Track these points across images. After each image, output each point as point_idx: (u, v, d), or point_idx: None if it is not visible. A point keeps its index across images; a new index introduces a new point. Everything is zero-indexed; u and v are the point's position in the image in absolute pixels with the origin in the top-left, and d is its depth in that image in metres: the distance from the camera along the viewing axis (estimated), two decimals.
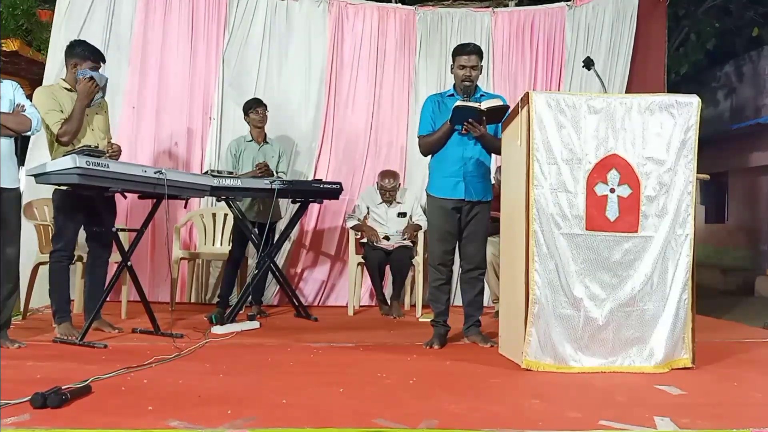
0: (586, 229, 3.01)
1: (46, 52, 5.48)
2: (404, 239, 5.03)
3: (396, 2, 6.00)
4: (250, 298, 4.99)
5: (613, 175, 3.03)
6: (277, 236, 4.86)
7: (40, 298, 4.21)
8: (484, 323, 3.89)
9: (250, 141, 4.83)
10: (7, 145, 3.28)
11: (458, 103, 3.55)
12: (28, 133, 3.39)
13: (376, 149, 5.71)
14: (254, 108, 4.81)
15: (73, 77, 3.79)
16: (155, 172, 3.59)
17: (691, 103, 3.07)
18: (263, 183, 4.39)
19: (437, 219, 3.74)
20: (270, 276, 5.04)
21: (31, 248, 4.20)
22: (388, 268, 5.10)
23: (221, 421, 2.15)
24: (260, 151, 4.82)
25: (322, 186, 4.62)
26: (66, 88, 3.79)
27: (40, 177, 3.33)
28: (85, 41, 4.03)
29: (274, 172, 4.76)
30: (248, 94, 5.29)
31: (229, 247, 4.88)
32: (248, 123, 4.88)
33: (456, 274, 3.86)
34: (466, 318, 3.79)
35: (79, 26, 5.14)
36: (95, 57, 3.83)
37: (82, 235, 3.94)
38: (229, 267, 4.76)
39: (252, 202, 4.70)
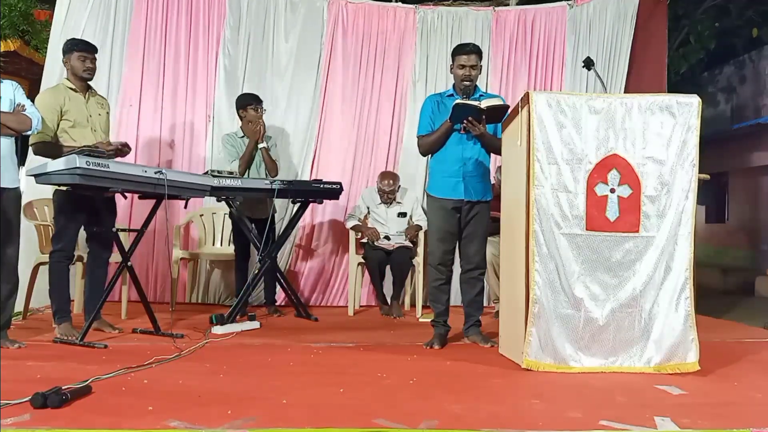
0: (587, 230, 3.01)
1: (44, 51, 5.48)
2: (405, 239, 5.03)
3: (396, 1, 5.99)
4: (262, 298, 5.01)
5: (613, 175, 3.03)
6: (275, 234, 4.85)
7: (40, 298, 4.21)
8: (484, 323, 3.89)
9: (242, 137, 4.76)
10: (7, 145, 3.28)
11: (458, 101, 3.56)
12: (29, 133, 3.39)
13: (375, 148, 5.70)
14: (254, 105, 4.73)
15: (71, 74, 3.81)
16: (155, 172, 3.58)
17: (692, 103, 3.07)
18: (263, 183, 4.39)
19: (437, 219, 3.73)
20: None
21: (31, 248, 4.20)
22: (388, 268, 5.10)
23: (221, 421, 2.15)
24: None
25: (322, 186, 4.61)
26: (70, 88, 3.80)
27: (40, 177, 3.33)
28: (74, 37, 4.03)
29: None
30: (247, 91, 5.27)
31: (231, 248, 4.88)
32: (242, 118, 4.79)
33: (456, 274, 3.86)
34: (467, 318, 3.79)
35: (77, 26, 5.14)
36: (80, 47, 3.81)
37: (82, 235, 3.94)
38: (237, 266, 4.79)
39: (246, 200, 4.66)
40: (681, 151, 3.05)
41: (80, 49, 3.80)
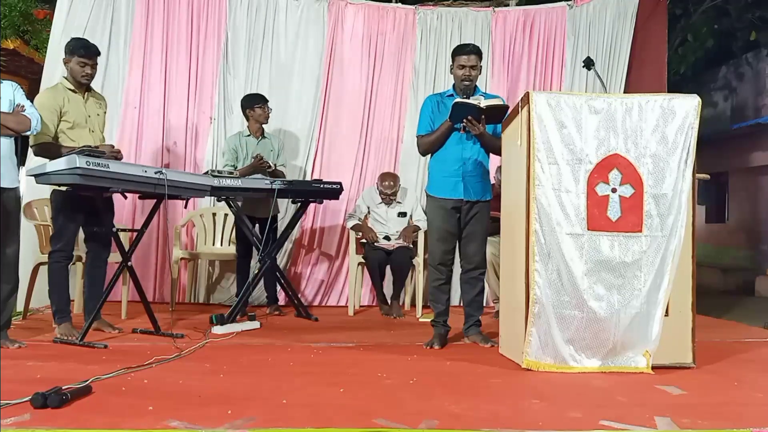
0: (588, 229, 3.01)
1: (44, 51, 5.48)
2: (402, 242, 5.02)
3: (396, 2, 5.99)
4: (265, 297, 5.03)
5: (614, 175, 3.03)
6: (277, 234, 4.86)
7: (40, 298, 4.21)
8: (485, 323, 3.89)
9: (248, 136, 4.85)
10: (7, 145, 3.28)
11: (457, 100, 3.56)
12: (28, 133, 3.39)
13: (374, 148, 5.71)
14: (261, 105, 4.82)
15: (69, 75, 3.80)
16: (155, 173, 3.58)
17: (691, 102, 3.07)
18: (264, 183, 4.39)
19: (437, 219, 3.73)
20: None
21: (31, 248, 4.20)
22: (388, 268, 5.10)
23: (221, 421, 2.15)
24: (259, 146, 4.83)
25: (322, 186, 4.61)
26: (69, 89, 3.79)
27: (40, 177, 3.33)
28: (79, 38, 4.01)
29: (273, 166, 4.79)
30: (247, 92, 5.28)
31: (231, 248, 4.89)
32: (248, 118, 4.88)
33: (456, 274, 3.86)
34: (467, 318, 3.79)
35: (78, 25, 5.14)
36: (81, 53, 3.75)
37: (81, 235, 3.94)
38: (238, 266, 4.81)
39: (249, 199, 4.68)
40: (681, 150, 3.04)
41: (81, 55, 3.74)
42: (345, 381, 2.76)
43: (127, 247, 3.89)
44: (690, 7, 9.26)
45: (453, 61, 3.73)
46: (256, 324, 4.21)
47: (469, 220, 3.70)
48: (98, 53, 3.88)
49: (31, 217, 4.33)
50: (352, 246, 5.11)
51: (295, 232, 5.37)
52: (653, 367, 3.01)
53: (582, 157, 3.03)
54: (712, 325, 4.71)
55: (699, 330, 3.19)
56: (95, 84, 4.03)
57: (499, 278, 4.14)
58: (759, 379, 3.04)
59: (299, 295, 5.07)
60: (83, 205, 3.67)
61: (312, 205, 4.90)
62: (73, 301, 4.17)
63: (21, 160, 3.78)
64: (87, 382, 2.50)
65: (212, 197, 4.76)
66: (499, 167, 3.98)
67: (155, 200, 3.84)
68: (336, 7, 5.71)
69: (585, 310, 2.99)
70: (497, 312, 4.36)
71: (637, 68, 5.82)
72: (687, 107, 3.06)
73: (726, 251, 10.45)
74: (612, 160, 3.03)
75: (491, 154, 3.79)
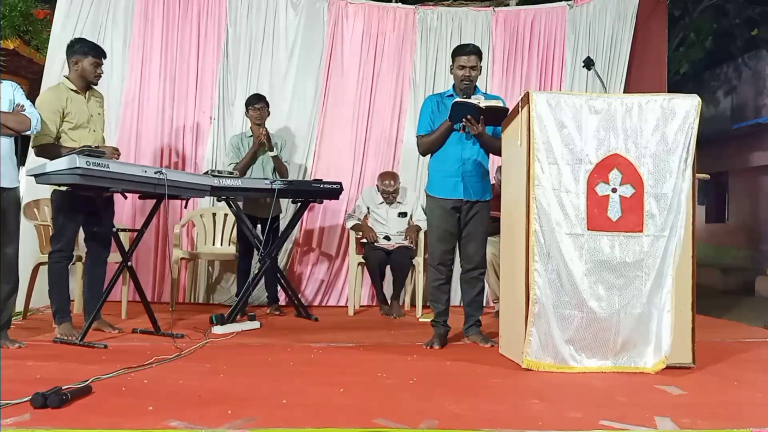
0: (588, 229, 3.01)
1: (45, 51, 5.48)
2: (405, 240, 5.03)
3: (396, 1, 5.99)
4: (265, 297, 5.03)
5: (614, 175, 3.03)
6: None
7: (40, 298, 4.20)
8: (485, 323, 3.89)
9: (251, 137, 4.85)
10: (7, 144, 3.28)
11: (457, 99, 3.56)
12: (28, 132, 3.39)
13: (374, 148, 5.71)
14: (253, 105, 4.85)
15: (76, 75, 3.79)
16: (155, 173, 3.58)
17: (691, 102, 3.07)
18: (264, 183, 4.40)
19: (437, 219, 3.74)
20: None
21: (31, 248, 4.20)
22: (388, 268, 5.10)
23: (221, 421, 2.15)
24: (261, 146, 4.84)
25: (322, 186, 4.62)
26: (71, 89, 3.78)
27: (40, 177, 3.33)
28: (84, 38, 4.03)
29: (274, 147, 4.83)
30: (247, 92, 5.29)
31: (231, 248, 4.89)
32: (249, 119, 4.92)
33: (456, 274, 3.86)
34: (467, 318, 3.79)
35: (78, 26, 5.14)
36: (95, 53, 3.80)
37: (81, 235, 3.94)
38: (239, 266, 4.81)
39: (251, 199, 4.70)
40: (681, 150, 3.04)
41: (95, 55, 3.78)
42: (345, 381, 2.76)
43: (127, 247, 3.90)
44: (689, 7, 9.27)
45: (453, 61, 3.73)
46: (256, 324, 4.21)
47: (469, 220, 3.70)
48: (107, 55, 3.97)
49: (31, 217, 4.33)
50: (352, 246, 5.11)
51: (295, 232, 5.37)
52: (653, 367, 3.00)
53: (582, 157, 3.03)
54: (712, 325, 4.71)
55: (699, 330, 3.18)
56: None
57: (499, 278, 4.14)
58: (759, 379, 3.04)
59: (299, 295, 5.07)
60: (83, 205, 3.67)
61: (312, 205, 4.90)
62: (73, 301, 4.17)
63: (21, 160, 3.78)
64: (87, 382, 2.50)
65: (212, 197, 4.77)
66: (499, 167, 3.98)
67: (155, 200, 3.84)
68: (336, 7, 5.71)
69: (585, 310, 2.99)
70: (497, 312, 4.36)
71: (637, 68, 5.82)
72: (687, 107, 3.06)
73: (726, 251, 10.46)
74: (612, 160, 3.03)
75: (491, 154, 3.79)
